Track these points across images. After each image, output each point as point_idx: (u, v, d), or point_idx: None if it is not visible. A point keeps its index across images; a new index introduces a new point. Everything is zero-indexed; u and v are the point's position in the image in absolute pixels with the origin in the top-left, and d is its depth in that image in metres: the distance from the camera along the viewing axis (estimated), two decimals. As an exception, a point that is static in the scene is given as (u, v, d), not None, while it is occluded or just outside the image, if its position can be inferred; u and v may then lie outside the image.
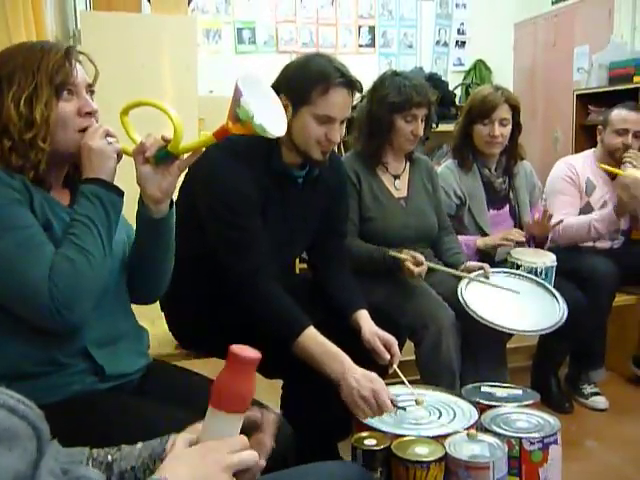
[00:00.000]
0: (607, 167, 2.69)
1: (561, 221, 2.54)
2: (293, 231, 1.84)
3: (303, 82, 1.69)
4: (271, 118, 1.29)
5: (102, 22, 3.10)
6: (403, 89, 2.19)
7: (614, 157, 2.73)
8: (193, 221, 1.71)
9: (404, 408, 1.53)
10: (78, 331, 1.28)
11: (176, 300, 1.76)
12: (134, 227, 1.44)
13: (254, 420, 0.95)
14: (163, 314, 1.91)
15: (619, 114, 2.75)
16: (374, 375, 1.56)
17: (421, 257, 2.09)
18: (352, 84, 1.71)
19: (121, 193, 1.30)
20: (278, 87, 1.71)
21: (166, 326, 1.93)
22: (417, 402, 1.58)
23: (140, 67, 3.11)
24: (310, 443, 1.52)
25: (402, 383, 1.69)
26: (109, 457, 0.92)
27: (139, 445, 0.94)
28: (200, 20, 5.01)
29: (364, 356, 1.71)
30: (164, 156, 1.31)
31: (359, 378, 1.53)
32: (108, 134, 1.29)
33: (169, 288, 1.67)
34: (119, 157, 1.32)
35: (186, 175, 1.80)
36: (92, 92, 1.35)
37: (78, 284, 1.20)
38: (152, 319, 2.01)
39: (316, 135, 1.70)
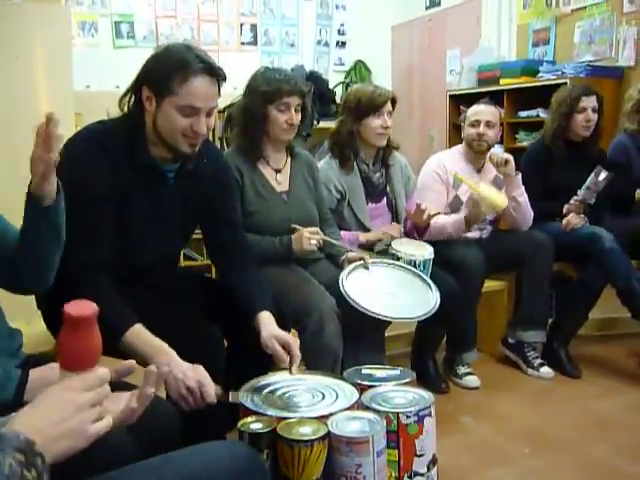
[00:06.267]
0: (465, 180, 2.81)
1: (438, 213, 2.68)
2: (165, 227, 1.82)
3: (163, 72, 1.64)
4: None
5: (-33, 9, 2.92)
6: (273, 80, 2.25)
7: (472, 147, 2.96)
8: None
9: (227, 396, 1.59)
10: None
11: (52, 296, 1.70)
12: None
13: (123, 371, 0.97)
14: (40, 312, 1.85)
15: (472, 109, 3.00)
16: (200, 367, 1.58)
17: (317, 229, 2.23)
18: (213, 71, 1.66)
19: None
20: (141, 80, 1.69)
21: (44, 324, 1.87)
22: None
23: (14, 59, 2.97)
24: (198, 434, 1.53)
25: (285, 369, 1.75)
26: None
27: None
28: (74, 12, 4.83)
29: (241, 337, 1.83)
30: None
31: (185, 370, 1.54)
32: None
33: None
34: None
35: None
36: None
37: None
38: (28, 318, 1.94)
39: (181, 127, 1.65)
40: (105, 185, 1.66)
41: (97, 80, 4.96)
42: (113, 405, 0.96)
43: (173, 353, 1.59)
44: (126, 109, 1.75)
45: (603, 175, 2.94)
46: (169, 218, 1.82)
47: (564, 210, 3.06)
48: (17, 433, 0.78)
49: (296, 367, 1.74)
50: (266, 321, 1.82)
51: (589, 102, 3.11)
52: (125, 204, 1.70)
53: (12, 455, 0.75)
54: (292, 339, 1.77)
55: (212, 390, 1.55)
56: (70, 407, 0.83)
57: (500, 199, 2.71)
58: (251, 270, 1.95)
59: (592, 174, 2.97)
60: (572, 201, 3.03)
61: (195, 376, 1.54)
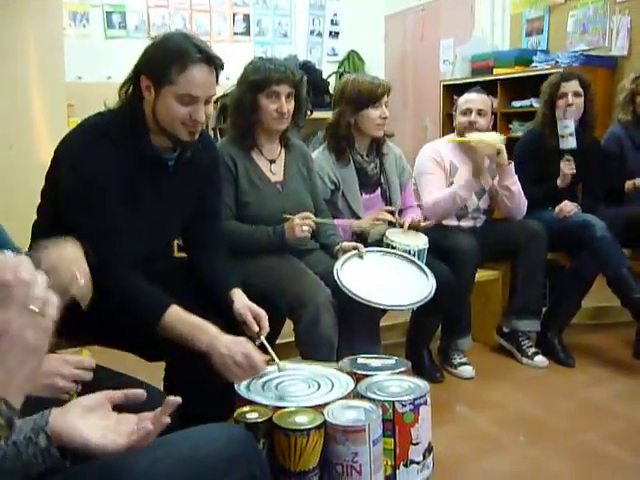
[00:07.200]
0: (454, 138, 2.90)
1: (430, 223, 2.69)
2: (166, 215, 1.82)
3: (161, 61, 1.66)
4: None
5: (-44, -1, 2.90)
6: (262, 68, 2.25)
7: (464, 136, 2.94)
8: (57, 211, 1.67)
9: (273, 359, 1.62)
10: None
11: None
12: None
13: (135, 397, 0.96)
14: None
15: (464, 97, 3.01)
16: (242, 339, 1.61)
17: (307, 213, 2.21)
18: (211, 60, 1.68)
19: None
20: (139, 69, 1.70)
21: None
22: (279, 369, 1.65)
23: (6, 51, 2.95)
24: (194, 423, 1.53)
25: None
26: None
27: (18, 422, 0.91)
28: (66, 2, 4.79)
29: (236, 333, 1.76)
30: None
31: (229, 344, 1.58)
32: None
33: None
34: None
35: (52, 160, 1.75)
36: None
37: None
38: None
39: (181, 116, 1.67)
40: (117, 177, 1.66)
41: (89, 71, 4.94)
42: (124, 427, 0.96)
43: (214, 329, 1.61)
44: (124, 98, 1.75)
45: (564, 115, 3.05)
46: (170, 206, 1.83)
47: (559, 181, 3.07)
48: None
49: (264, 338, 1.76)
50: (239, 294, 1.87)
51: (569, 87, 3.13)
52: (132, 195, 1.71)
53: None
54: (264, 313, 1.81)
55: (261, 361, 1.57)
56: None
57: (493, 136, 2.77)
58: (223, 254, 1.99)
59: (558, 122, 3.06)
60: (563, 162, 3.05)
61: (240, 349, 1.56)
